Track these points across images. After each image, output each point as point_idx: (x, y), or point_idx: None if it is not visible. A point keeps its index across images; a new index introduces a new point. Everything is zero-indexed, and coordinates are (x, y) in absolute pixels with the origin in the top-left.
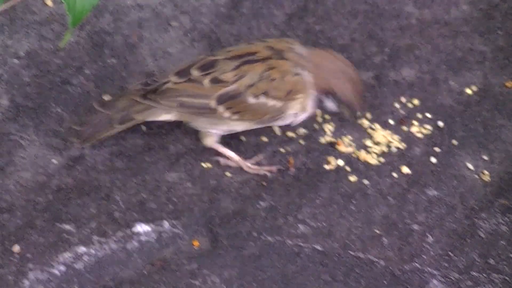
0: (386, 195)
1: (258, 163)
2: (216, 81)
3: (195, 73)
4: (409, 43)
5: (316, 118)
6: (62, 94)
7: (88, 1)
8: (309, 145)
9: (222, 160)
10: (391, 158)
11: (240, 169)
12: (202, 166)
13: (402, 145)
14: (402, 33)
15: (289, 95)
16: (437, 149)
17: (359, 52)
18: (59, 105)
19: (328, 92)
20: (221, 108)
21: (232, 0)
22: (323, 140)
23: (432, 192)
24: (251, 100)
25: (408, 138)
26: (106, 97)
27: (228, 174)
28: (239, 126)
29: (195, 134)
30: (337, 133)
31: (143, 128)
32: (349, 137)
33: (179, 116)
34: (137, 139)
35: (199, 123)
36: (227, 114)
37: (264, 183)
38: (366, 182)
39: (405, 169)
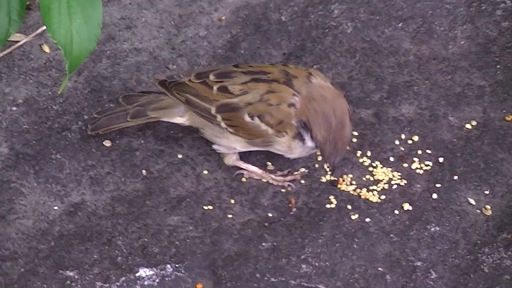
0: (388, 233)
1: (282, 175)
2: (224, 90)
3: (211, 77)
4: (407, 79)
5: (316, 157)
6: (62, 141)
7: (85, 46)
8: (310, 184)
9: (245, 174)
10: (393, 195)
11: (241, 211)
12: (203, 209)
13: (403, 182)
14: (400, 70)
15: (279, 126)
16: (438, 185)
17: (358, 90)
18: (59, 151)
19: (305, 126)
20: (219, 117)
21: (229, 41)
22: (324, 179)
23: (434, 228)
24: (247, 118)
25: (409, 174)
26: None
27: (229, 216)
28: (237, 144)
29: (196, 177)
30: (337, 172)
31: (143, 172)
32: (350, 175)
33: (192, 121)
34: (137, 184)
35: (207, 132)
36: (223, 124)
37: (266, 224)
38: (368, 220)
39: (407, 206)
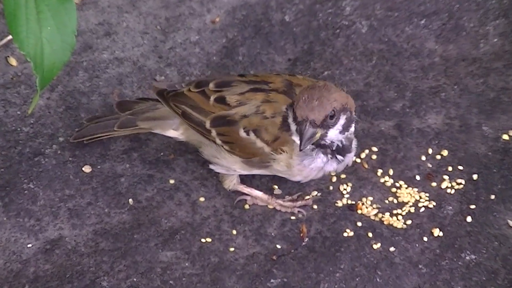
0: (416, 263)
1: (291, 200)
2: (220, 100)
3: (211, 86)
4: (433, 85)
5: (330, 177)
6: (34, 167)
7: (58, 58)
8: (324, 210)
9: (249, 200)
10: (420, 220)
11: (244, 243)
12: (201, 242)
13: (431, 204)
14: (425, 74)
15: (275, 143)
16: (472, 206)
17: (376, 99)
18: (31, 180)
19: (290, 108)
20: (214, 132)
21: (225, 46)
22: (339, 203)
23: (469, 257)
24: (242, 133)
25: (438, 195)
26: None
27: (231, 249)
28: (236, 165)
29: (191, 205)
30: (355, 194)
31: (130, 201)
32: (370, 197)
33: (186, 136)
34: (123, 215)
35: (205, 150)
36: (219, 140)
37: (274, 257)
38: (392, 249)
39: (437, 232)
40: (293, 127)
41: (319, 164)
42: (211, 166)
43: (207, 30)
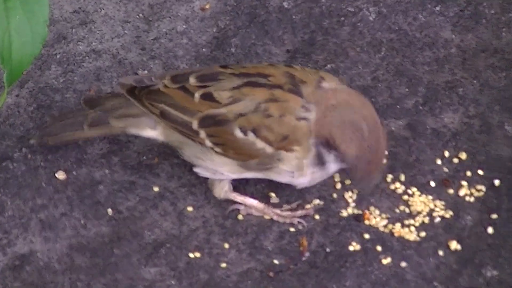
0: (430, 280)
1: (290, 210)
2: (208, 97)
3: (192, 81)
4: (449, 79)
5: (334, 184)
6: (1, 173)
7: (27, 50)
8: (327, 220)
9: (242, 209)
10: (435, 231)
11: (238, 258)
12: (189, 257)
13: (448, 214)
14: (440, 67)
15: (283, 143)
16: (494, 216)
17: (386, 95)
18: None
19: (328, 144)
20: (202, 133)
21: (216, 37)
22: (344, 212)
23: (490, 273)
24: (238, 133)
25: (455, 203)
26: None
27: (223, 264)
28: (225, 167)
29: (178, 215)
30: (362, 203)
31: (109, 211)
32: (379, 206)
33: (165, 136)
34: (102, 227)
35: (186, 151)
36: (209, 142)
37: (271, 274)
38: (403, 264)
39: (454, 245)
40: (334, 166)
41: (332, 170)
42: (195, 169)
43: (195, 19)
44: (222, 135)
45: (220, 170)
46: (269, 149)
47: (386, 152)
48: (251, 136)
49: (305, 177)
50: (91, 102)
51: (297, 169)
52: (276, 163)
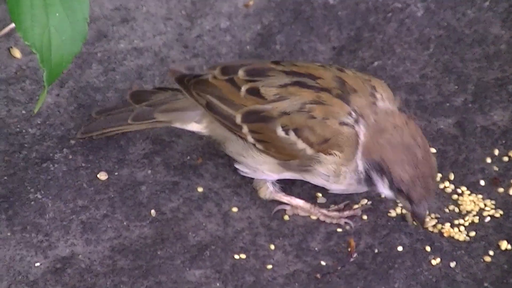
0: (481, 281)
1: (337, 210)
2: (254, 92)
3: (241, 74)
4: (499, 76)
5: None
6: (42, 175)
7: (67, 49)
8: (375, 221)
9: (289, 210)
10: (485, 231)
11: (284, 260)
12: (234, 259)
13: (498, 213)
14: (490, 64)
15: (324, 145)
16: None
17: (434, 93)
18: (38, 189)
19: (379, 168)
20: (245, 128)
21: (260, 34)
22: (393, 212)
23: None
24: (280, 132)
25: (505, 203)
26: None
27: (269, 266)
28: (265, 165)
29: (223, 216)
30: None
31: (152, 212)
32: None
33: (210, 130)
34: (144, 228)
35: (229, 147)
36: (251, 138)
37: (318, 276)
38: (453, 265)
39: (505, 245)
40: (385, 192)
41: (387, 193)
42: (236, 165)
43: (239, 15)
44: (265, 132)
45: (261, 168)
46: (309, 151)
47: (434, 151)
48: (292, 135)
49: (340, 185)
50: (137, 97)
51: (334, 175)
52: (314, 165)
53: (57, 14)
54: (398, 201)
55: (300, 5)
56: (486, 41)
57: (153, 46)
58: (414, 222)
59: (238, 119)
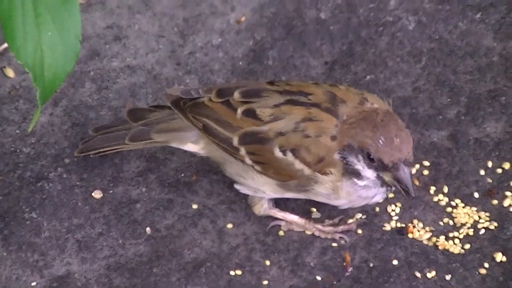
0: None
1: (331, 225)
2: (250, 114)
3: (236, 96)
4: (491, 88)
5: None
6: (37, 194)
7: (60, 67)
8: (370, 235)
9: (283, 225)
10: (480, 244)
11: (280, 275)
12: (230, 275)
13: (493, 225)
14: (482, 76)
15: (320, 165)
16: None
17: (427, 105)
18: (33, 208)
19: (350, 148)
20: (243, 150)
21: (253, 50)
22: (387, 226)
23: None
24: (277, 153)
25: (500, 214)
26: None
27: (264, 282)
28: (266, 186)
29: (218, 232)
30: (405, 216)
31: (147, 230)
32: (422, 219)
33: (207, 151)
34: (140, 246)
35: (228, 168)
36: (249, 160)
37: None
38: (448, 277)
39: (500, 257)
40: (370, 173)
41: (371, 194)
42: (236, 186)
43: (231, 31)
44: (263, 154)
45: (262, 189)
46: (307, 171)
47: (427, 164)
48: (289, 156)
49: (341, 200)
50: (135, 115)
51: (332, 192)
52: (313, 186)
53: (49, 33)
54: (386, 179)
55: (292, 20)
56: (478, 53)
57: (146, 64)
58: (403, 193)
59: (235, 141)
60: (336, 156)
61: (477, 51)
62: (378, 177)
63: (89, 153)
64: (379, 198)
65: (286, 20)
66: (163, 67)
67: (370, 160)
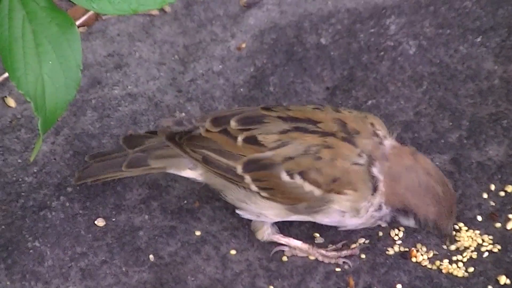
0: None
1: (335, 250)
2: (252, 141)
3: (233, 124)
4: (493, 111)
5: None
6: (40, 223)
7: (61, 96)
8: (374, 259)
9: (287, 251)
10: (484, 267)
11: None
12: None
13: (496, 248)
14: (483, 99)
15: (333, 185)
16: None
17: (429, 130)
18: (36, 237)
19: (405, 213)
20: (248, 178)
21: (254, 76)
22: (391, 250)
23: None
24: (284, 177)
25: (503, 237)
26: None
27: None
28: (270, 210)
29: (221, 259)
30: (409, 240)
31: (151, 257)
32: (426, 243)
33: (206, 178)
34: (143, 273)
35: (228, 195)
36: (255, 187)
37: None
38: None
39: (503, 279)
40: (410, 222)
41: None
42: (238, 212)
43: (232, 58)
44: (269, 179)
45: (265, 213)
46: (317, 192)
47: None
48: (297, 179)
49: (359, 219)
50: (131, 142)
51: (351, 210)
52: (326, 205)
53: (50, 62)
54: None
55: (292, 46)
56: (479, 77)
57: (147, 91)
58: (446, 243)
59: (239, 170)
60: (385, 211)
61: (478, 74)
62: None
63: (86, 180)
64: (387, 218)
65: (286, 46)
66: (164, 95)
67: (423, 226)
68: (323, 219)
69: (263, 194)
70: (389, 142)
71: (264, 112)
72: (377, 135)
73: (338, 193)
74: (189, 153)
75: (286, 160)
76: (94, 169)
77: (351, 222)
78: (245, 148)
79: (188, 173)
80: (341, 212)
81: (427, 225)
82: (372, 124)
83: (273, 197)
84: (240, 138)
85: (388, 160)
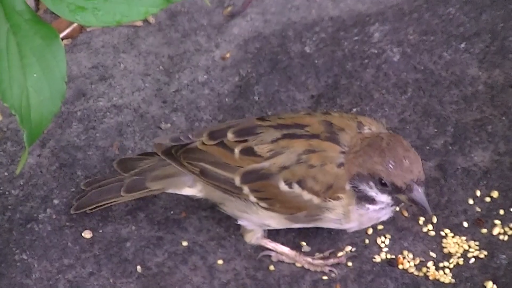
0: None
1: (321, 258)
2: (248, 152)
3: (230, 136)
4: (478, 117)
5: (365, 230)
6: (27, 236)
7: (47, 108)
8: (360, 267)
9: (274, 256)
10: (470, 273)
11: None
12: None
13: (482, 254)
14: (468, 105)
15: (329, 192)
16: None
17: (414, 136)
18: (24, 250)
19: (360, 177)
20: (246, 189)
21: (239, 85)
22: (377, 258)
23: None
24: (283, 186)
25: (489, 243)
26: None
27: None
28: (271, 220)
29: (208, 269)
30: (395, 247)
31: (138, 268)
32: (412, 250)
33: (206, 193)
34: (131, 285)
35: (229, 207)
36: (253, 198)
37: None
38: None
39: (490, 285)
40: (384, 198)
41: (381, 215)
42: (240, 222)
43: (216, 68)
44: (267, 189)
45: (267, 223)
46: (316, 200)
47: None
48: (296, 188)
49: (353, 222)
50: (125, 165)
51: (343, 217)
52: (324, 213)
53: (34, 75)
54: (401, 200)
55: (277, 55)
56: (463, 83)
57: (132, 103)
58: (422, 216)
59: (237, 181)
60: (347, 186)
61: (463, 80)
62: (394, 199)
63: (85, 209)
64: (386, 217)
65: (271, 55)
66: (150, 106)
67: (382, 185)
68: (323, 225)
69: (262, 204)
70: (368, 131)
71: (259, 122)
72: (361, 128)
73: (334, 199)
74: (186, 167)
75: (282, 169)
76: (92, 197)
77: (348, 226)
78: (242, 160)
79: (188, 191)
80: (337, 220)
81: (381, 180)
82: (360, 122)
83: (272, 207)
84: (237, 150)
85: (358, 142)
